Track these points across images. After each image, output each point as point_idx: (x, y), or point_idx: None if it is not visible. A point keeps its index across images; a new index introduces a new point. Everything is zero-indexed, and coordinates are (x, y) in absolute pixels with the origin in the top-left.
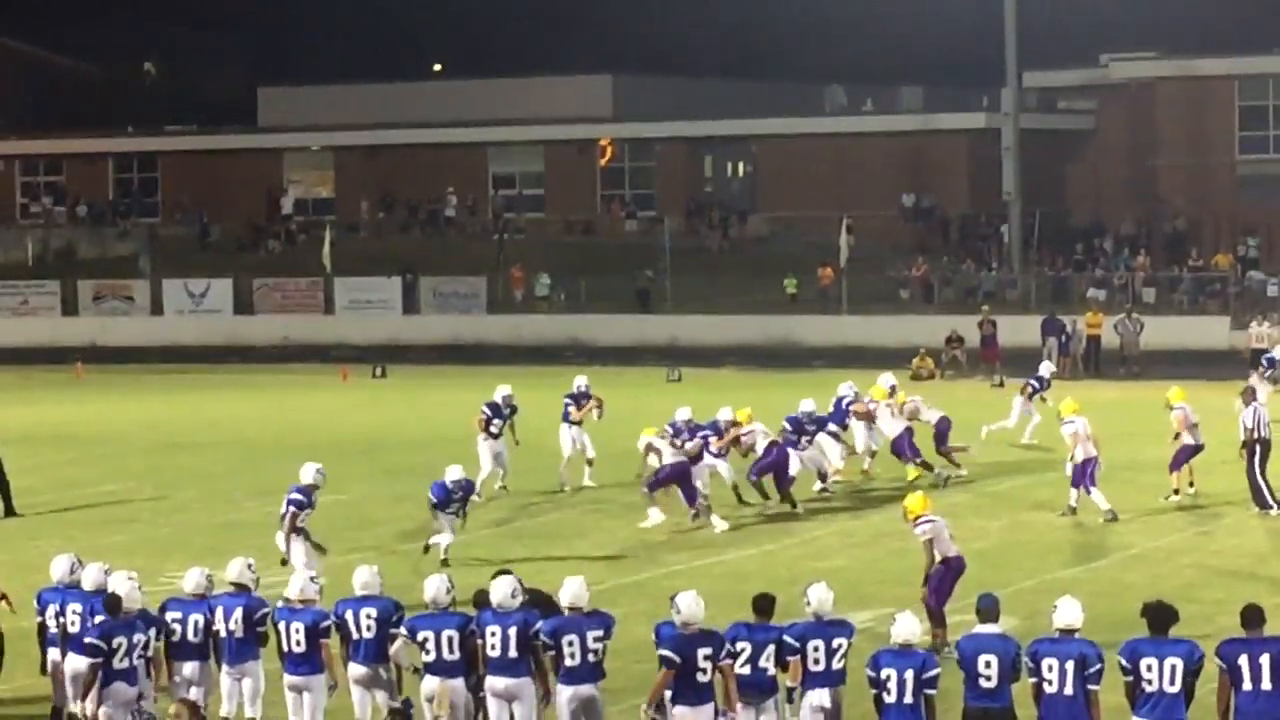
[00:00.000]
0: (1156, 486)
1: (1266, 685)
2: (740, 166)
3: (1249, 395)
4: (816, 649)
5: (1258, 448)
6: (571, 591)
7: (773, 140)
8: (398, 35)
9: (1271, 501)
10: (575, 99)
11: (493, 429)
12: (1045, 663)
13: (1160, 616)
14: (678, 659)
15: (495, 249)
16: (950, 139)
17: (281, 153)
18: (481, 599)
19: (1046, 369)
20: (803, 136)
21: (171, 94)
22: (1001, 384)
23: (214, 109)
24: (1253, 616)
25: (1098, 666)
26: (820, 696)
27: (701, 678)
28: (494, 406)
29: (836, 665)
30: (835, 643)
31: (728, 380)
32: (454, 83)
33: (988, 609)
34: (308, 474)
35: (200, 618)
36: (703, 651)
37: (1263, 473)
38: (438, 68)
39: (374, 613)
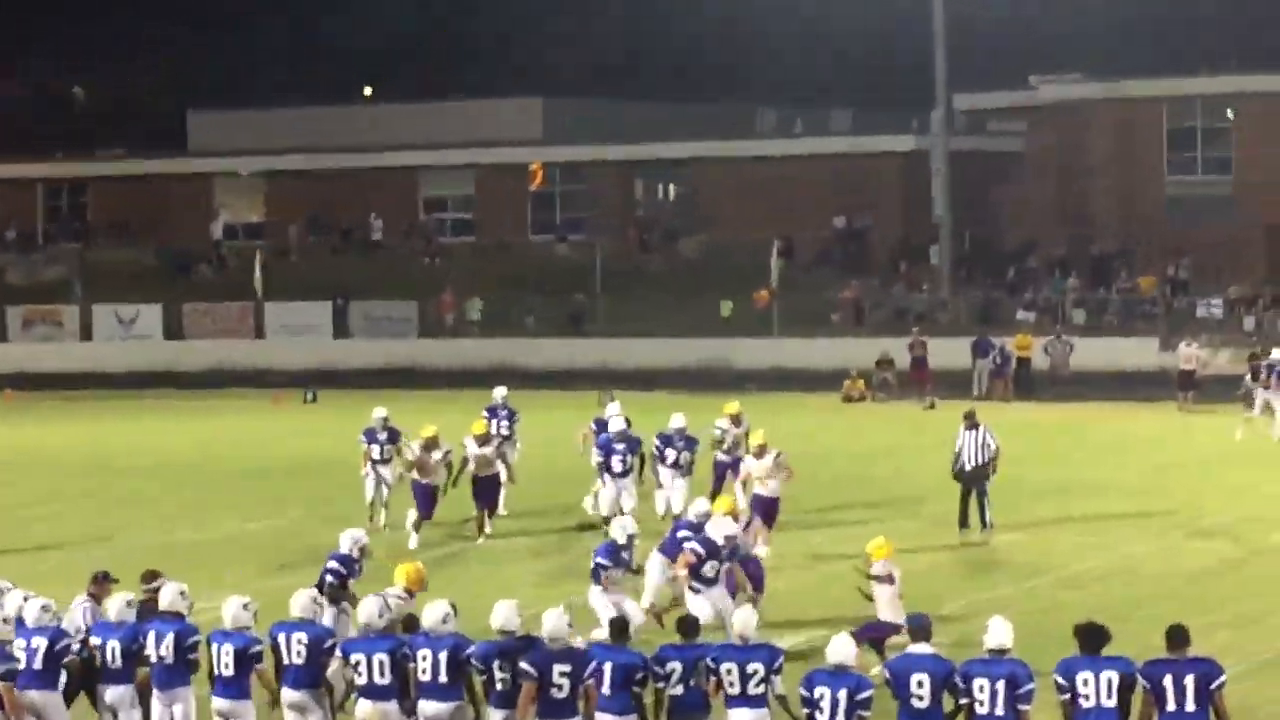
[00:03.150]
0: (1088, 507)
1: (1190, 706)
2: (672, 189)
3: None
4: (730, 671)
5: None
6: (502, 615)
7: (704, 163)
8: (328, 59)
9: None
10: (506, 122)
11: (374, 455)
12: (976, 683)
13: (1092, 636)
14: (535, 673)
15: (427, 273)
16: (880, 161)
17: (212, 177)
18: (412, 623)
19: None
20: (734, 159)
21: (101, 118)
22: (933, 406)
23: (144, 133)
24: (1177, 637)
25: (1029, 686)
26: (739, 718)
27: (556, 693)
28: (370, 432)
29: (754, 690)
30: (750, 667)
31: (661, 403)
32: (385, 106)
33: (919, 628)
34: (345, 542)
35: (118, 644)
36: (559, 668)
37: None
38: (368, 91)
39: (305, 638)
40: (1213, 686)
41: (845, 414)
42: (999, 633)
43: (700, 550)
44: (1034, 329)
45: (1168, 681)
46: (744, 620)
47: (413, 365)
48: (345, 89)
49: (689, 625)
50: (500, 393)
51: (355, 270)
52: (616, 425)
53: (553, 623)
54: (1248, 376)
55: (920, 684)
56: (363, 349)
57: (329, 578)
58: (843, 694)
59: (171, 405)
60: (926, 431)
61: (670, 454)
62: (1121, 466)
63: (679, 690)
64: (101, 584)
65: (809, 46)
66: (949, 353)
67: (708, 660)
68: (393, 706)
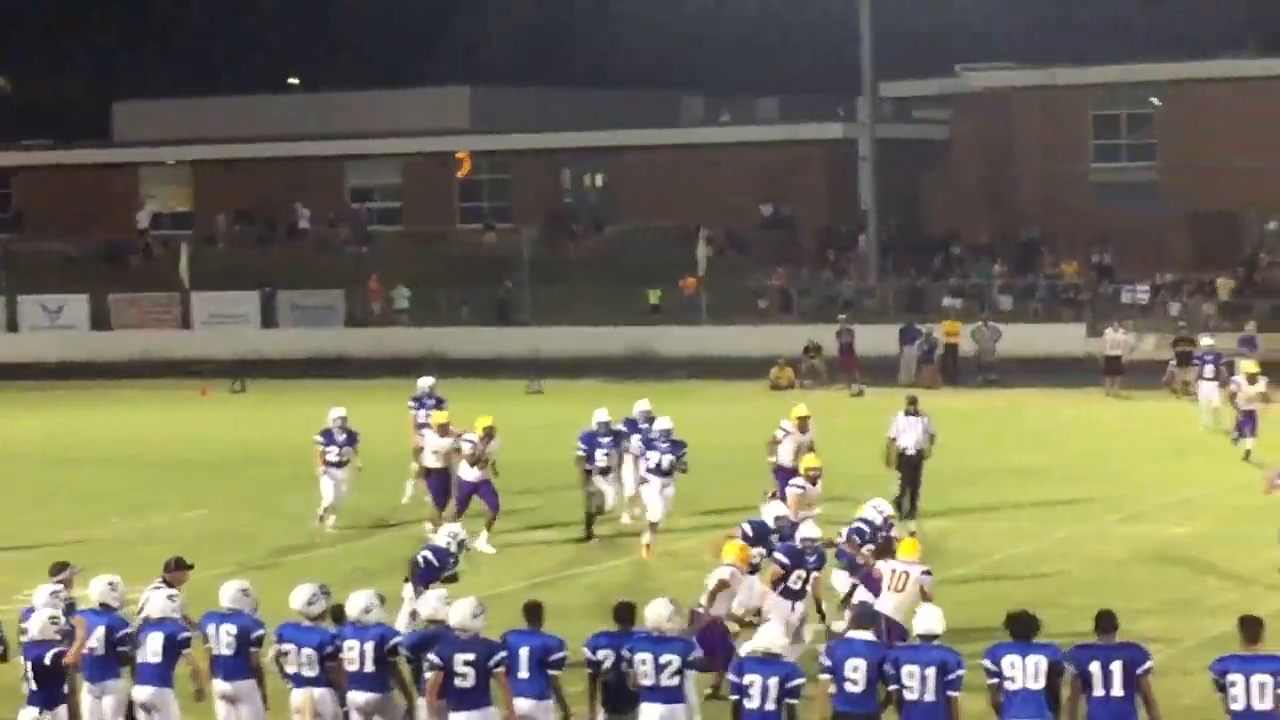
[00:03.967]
0: (1018, 493)
1: (1118, 690)
2: (599, 178)
3: None
4: (644, 663)
5: None
6: (429, 606)
7: (631, 151)
8: (254, 48)
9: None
10: (433, 112)
11: (329, 457)
12: (906, 669)
13: (1022, 625)
14: (440, 663)
15: (353, 262)
16: (807, 149)
17: (138, 167)
18: (340, 613)
19: None
20: (661, 148)
21: (25, 108)
22: (860, 393)
23: (69, 123)
24: (1105, 622)
25: (958, 673)
26: (650, 712)
27: (460, 682)
28: (327, 433)
29: (666, 681)
30: (664, 659)
31: (589, 392)
32: (311, 96)
33: (863, 616)
34: (442, 537)
35: None
36: (462, 658)
37: None
38: (294, 81)
39: (234, 629)
40: (1139, 671)
41: (773, 401)
42: (928, 619)
43: (785, 560)
44: (961, 315)
45: (1095, 666)
46: (656, 613)
47: (340, 355)
48: (272, 78)
49: (621, 613)
50: (427, 383)
51: (282, 260)
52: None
53: (460, 613)
54: (1173, 362)
55: (855, 669)
56: (290, 338)
57: (420, 563)
58: (773, 680)
59: (98, 396)
60: (856, 417)
61: (653, 456)
62: (1050, 452)
63: (612, 677)
64: (174, 571)
65: (736, 35)
66: (876, 339)
67: (623, 651)
68: (325, 693)
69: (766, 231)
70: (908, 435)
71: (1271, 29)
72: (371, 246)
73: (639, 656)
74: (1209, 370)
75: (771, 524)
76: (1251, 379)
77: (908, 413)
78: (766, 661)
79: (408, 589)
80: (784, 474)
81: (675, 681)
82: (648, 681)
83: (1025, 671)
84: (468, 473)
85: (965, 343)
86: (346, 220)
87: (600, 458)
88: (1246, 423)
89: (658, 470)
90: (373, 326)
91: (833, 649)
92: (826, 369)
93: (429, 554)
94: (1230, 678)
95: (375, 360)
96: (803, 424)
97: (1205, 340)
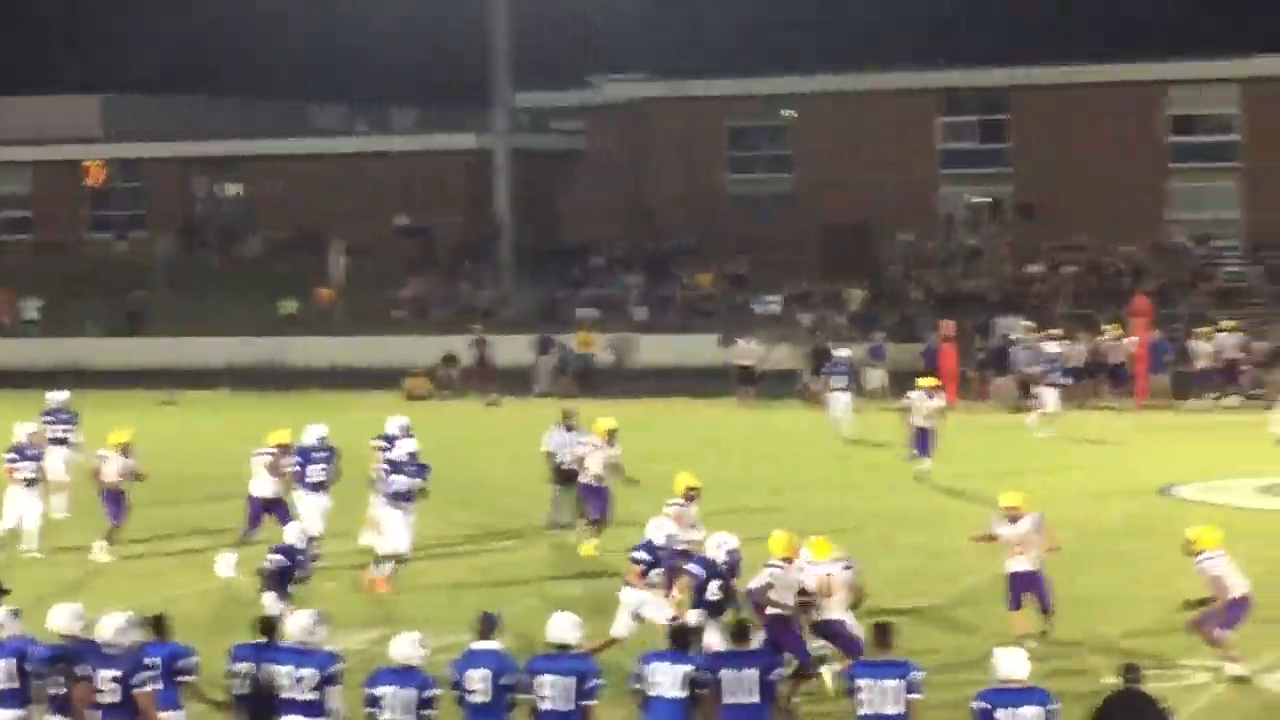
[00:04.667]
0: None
1: (752, 697)
2: (234, 187)
3: None
4: (282, 675)
5: None
6: (61, 620)
7: (266, 161)
8: None
9: None
10: (63, 119)
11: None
12: (539, 680)
13: (678, 639)
14: (88, 676)
15: None
16: (444, 159)
17: None
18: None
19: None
20: (296, 157)
21: None
22: (497, 403)
23: None
24: (737, 632)
25: (595, 682)
26: None
27: (107, 698)
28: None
29: (304, 696)
30: (302, 672)
31: (224, 402)
32: None
33: (485, 625)
34: (291, 533)
35: None
36: (106, 673)
37: None
38: None
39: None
40: (771, 677)
41: (410, 411)
42: (559, 628)
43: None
44: (597, 326)
45: (727, 673)
46: (299, 625)
47: None
48: None
49: (264, 625)
50: (59, 397)
51: None
52: (406, 447)
53: (108, 628)
54: (807, 371)
55: (483, 679)
56: None
57: (267, 565)
58: (411, 693)
59: None
60: (497, 427)
61: (398, 480)
62: (691, 462)
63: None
64: None
65: (371, 45)
66: (512, 350)
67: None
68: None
69: (403, 242)
70: (565, 449)
71: (905, 44)
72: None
73: (278, 669)
74: (840, 380)
75: (662, 541)
76: (930, 393)
77: (565, 427)
78: (401, 673)
79: (269, 597)
80: (594, 491)
81: (314, 696)
82: (287, 695)
83: (666, 680)
84: (261, 488)
85: (601, 353)
86: None
87: (317, 473)
88: (922, 441)
89: (404, 496)
90: (2, 338)
91: (458, 662)
92: (462, 379)
93: (278, 555)
94: (859, 682)
95: (7, 373)
96: (610, 437)
97: (839, 351)
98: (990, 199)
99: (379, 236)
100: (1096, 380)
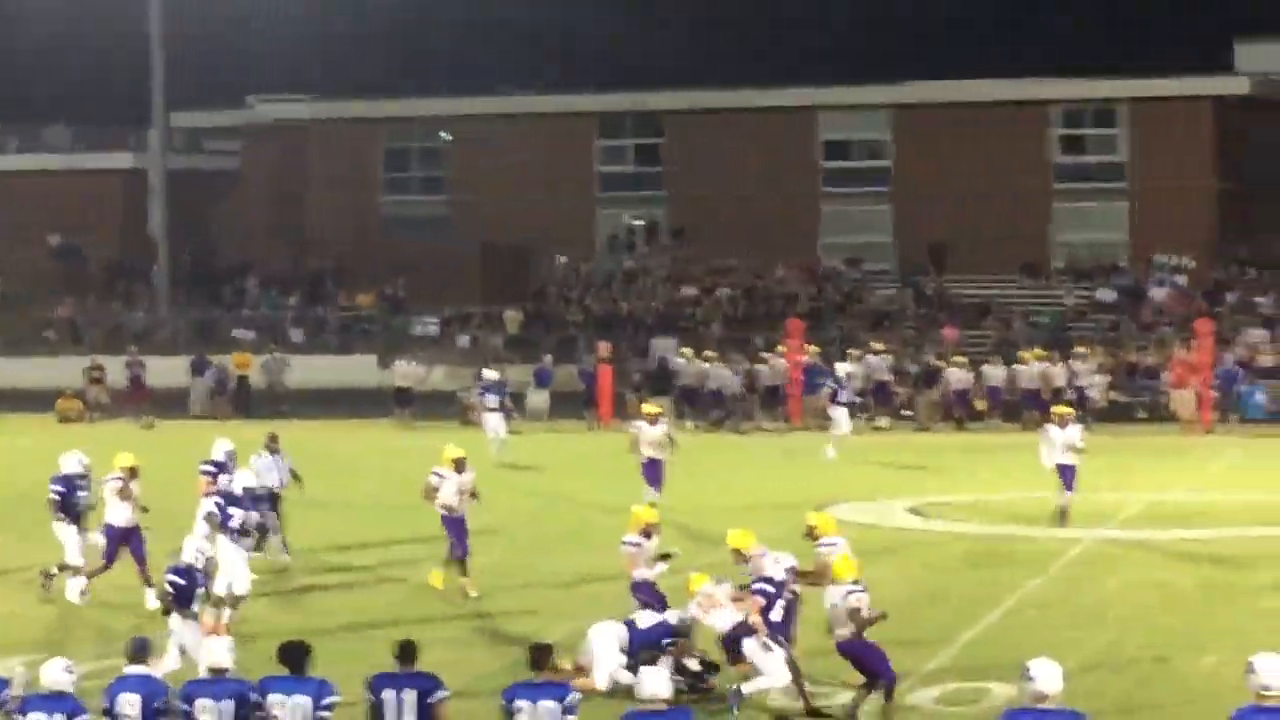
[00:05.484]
0: (348, 525)
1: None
2: None
3: None
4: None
5: None
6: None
7: None
8: None
9: None
10: None
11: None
12: (199, 703)
13: (292, 656)
14: None
15: None
16: (98, 179)
17: None
18: None
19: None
20: None
21: None
22: (151, 425)
23: None
24: (405, 652)
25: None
26: None
27: None
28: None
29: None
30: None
31: None
32: None
33: (135, 651)
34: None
35: None
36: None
37: None
38: None
39: None
40: (432, 700)
41: (62, 434)
42: (218, 653)
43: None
44: (252, 347)
45: (388, 694)
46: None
47: None
48: None
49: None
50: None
51: None
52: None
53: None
54: (466, 392)
55: (131, 705)
56: None
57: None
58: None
59: None
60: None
61: (237, 514)
62: (356, 483)
63: None
64: None
65: (22, 62)
66: (167, 371)
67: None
68: None
69: (55, 262)
70: (270, 473)
71: (563, 68)
72: None
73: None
74: (492, 400)
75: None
76: (653, 420)
77: (269, 450)
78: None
79: (174, 619)
80: (453, 521)
81: None
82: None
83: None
84: (117, 515)
85: (256, 375)
86: None
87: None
88: (652, 471)
89: (242, 532)
90: None
91: (111, 687)
92: (115, 400)
93: (174, 576)
94: (518, 704)
95: None
96: (459, 465)
97: (488, 373)
98: (645, 221)
99: (30, 256)
100: (748, 403)
